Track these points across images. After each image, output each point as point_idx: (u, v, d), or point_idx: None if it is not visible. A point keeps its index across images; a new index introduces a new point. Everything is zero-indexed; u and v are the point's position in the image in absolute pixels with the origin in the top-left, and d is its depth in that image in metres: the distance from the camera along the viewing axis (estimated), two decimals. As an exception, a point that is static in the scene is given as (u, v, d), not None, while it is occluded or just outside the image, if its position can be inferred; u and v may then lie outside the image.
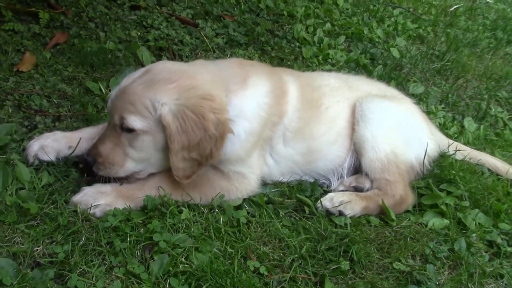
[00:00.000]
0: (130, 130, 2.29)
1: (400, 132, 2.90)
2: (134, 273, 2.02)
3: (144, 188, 2.40)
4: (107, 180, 2.38)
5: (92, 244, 2.10)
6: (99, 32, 3.87)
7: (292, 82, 2.79)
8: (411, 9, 6.03)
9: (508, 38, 5.70)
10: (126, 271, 2.02)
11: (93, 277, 1.97)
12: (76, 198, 2.28)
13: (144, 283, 2.00)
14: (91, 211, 2.25)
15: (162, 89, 2.27)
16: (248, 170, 2.58)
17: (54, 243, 2.08)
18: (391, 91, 3.23)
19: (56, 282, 1.94)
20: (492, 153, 3.39)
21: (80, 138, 2.51)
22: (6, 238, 2.06)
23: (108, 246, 2.11)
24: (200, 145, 2.25)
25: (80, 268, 2.00)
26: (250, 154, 2.57)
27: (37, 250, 2.04)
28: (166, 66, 2.44)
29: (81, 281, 1.94)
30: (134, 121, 2.26)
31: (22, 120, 2.79)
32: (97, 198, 2.29)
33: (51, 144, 2.47)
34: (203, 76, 2.41)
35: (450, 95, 4.16)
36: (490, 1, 7.10)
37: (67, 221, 2.17)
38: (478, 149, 3.36)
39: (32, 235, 2.08)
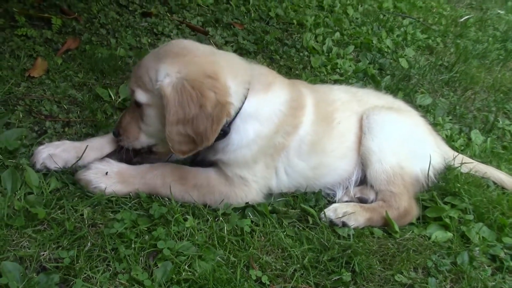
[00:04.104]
0: (139, 104, 2.40)
1: (406, 144, 2.90)
2: (137, 279, 2.04)
3: (146, 177, 2.48)
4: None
5: (97, 250, 2.13)
6: (110, 39, 3.93)
7: (309, 96, 2.81)
8: (421, 19, 6.04)
9: (518, 50, 5.69)
10: (130, 278, 2.05)
11: (97, 282, 2.00)
12: (81, 174, 2.44)
13: (147, 290, 2.03)
14: (90, 190, 2.40)
15: (168, 62, 2.32)
16: (252, 178, 2.59)
17: (60, 248, 2.11)
18: (398, 103, 3.23)
19: (61, 287, 1.97)
20: (498, 167, 3.38)
21: (87, 146, 2.55)
22: (14, 242, 2.10)
23: (113, 252, 2.14)
24: (195, 122, 2.27)
25: (85, 273, 2.03)
26: (257, 159, 2.57)
27: (43, 254, 2.07)
28: (182, 43, 2.53)
29: (85, 286, 1.97)
30: (140, 94, 2.38)
31: (32, 125, 2.84)
32: (98, 181, 2.41)
33: (60, 154, 2.51)
34: (218, 58, 2.44)
35: (457, 107, 4.16)
36: (501, 12, 7.08)
37: (74, 227, 2.21)
38: (484, 162, 3.36)
39: (39, 240, 2.12)
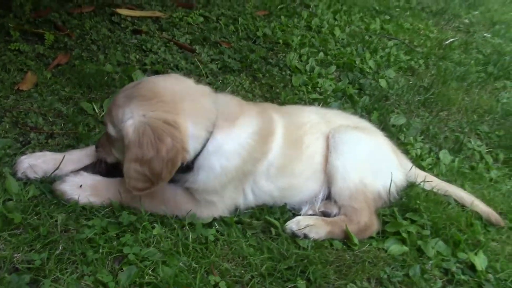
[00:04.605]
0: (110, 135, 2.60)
1: (370, 163, 3.07)
2: (102, 281, 2.20)
3: (118, 191, 2.63)
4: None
5: (67, 254, 2.30)
6: (99, 55, 4.12)
7: (280, 121, 2.95)
8: (406, 41, 6.23)
9: (498, 73, 5.83)
10: (95, 280, 2.21)
11: (65, 283, 2.17)
12: (57, 186, 2.62)
13: (111, 291, 2.20)
14: (65, 200, 2.59)
15: (135, 105, 2.47)
16: (219, 199, 2.74)
17: (33, 251, 2.28)
18: (364, 123, 3.42)
19: (31, 287, 2.14)
20: (462, 185, 3.53)
21: (64, 157, 2.74)
22: (-10, 245, 2.28)
23: (81, 256, 2.31)
24: (151, 163, 2.41)
25: (54, 275, 2.19)
26: (226, 186, 2.73)
27: (16, 256, 2.24)
28: (154, 84, 2.59)
29: (53, 286, 2.14)
30: (110, 128, 2.57)
31: (17, 136, 3.02)
32: (72, 193, 2.59)
33: (41, 165, 2.70)
34: (184, 104, 2.54)
35: (431, 127, 4.32)
36: (488, 35, 7.27)
37: (47, 232, 2.38)
38: (448, 181, 3.51)
39: (13, 243, 2.29)
